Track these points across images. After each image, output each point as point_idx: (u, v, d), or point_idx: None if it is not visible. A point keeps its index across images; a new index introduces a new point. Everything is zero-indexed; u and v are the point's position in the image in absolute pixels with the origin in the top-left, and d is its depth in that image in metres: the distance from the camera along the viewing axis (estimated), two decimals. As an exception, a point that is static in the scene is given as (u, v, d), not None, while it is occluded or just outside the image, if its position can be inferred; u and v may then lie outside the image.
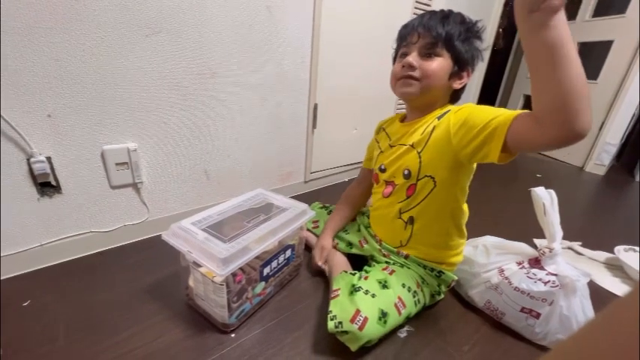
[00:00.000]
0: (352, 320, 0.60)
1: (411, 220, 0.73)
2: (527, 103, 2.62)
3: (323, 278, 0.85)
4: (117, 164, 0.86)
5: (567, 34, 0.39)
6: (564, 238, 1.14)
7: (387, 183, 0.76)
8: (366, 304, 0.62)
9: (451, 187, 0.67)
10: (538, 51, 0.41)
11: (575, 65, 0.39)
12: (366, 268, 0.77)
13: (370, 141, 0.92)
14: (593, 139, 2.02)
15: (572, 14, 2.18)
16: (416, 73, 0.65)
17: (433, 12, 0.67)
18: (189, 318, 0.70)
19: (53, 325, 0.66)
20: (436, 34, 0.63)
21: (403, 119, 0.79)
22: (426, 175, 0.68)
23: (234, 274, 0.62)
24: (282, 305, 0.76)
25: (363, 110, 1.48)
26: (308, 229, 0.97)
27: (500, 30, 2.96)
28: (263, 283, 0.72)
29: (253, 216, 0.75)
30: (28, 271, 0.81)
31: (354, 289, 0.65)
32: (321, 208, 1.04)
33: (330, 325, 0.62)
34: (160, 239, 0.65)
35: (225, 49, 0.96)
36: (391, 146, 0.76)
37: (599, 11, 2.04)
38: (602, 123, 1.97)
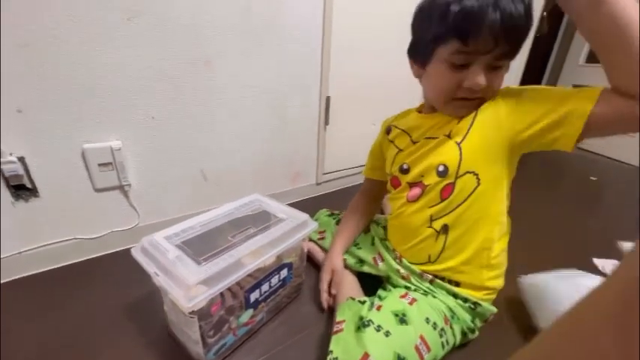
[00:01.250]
0: None
1: (445, 229, 0.57)
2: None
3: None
4: (100, 165, 0.77)
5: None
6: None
7: (413, 185, 0.60)
8: (378, 346, 0.48)
9: (498, 185, 0.55)
10: (593, 26, 0.40)
11: None
12: (380, 293, 0.62)
13: (374, 145, 0.76)
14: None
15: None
16: (479, 93, 0.52)
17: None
18: (167, 348, 0.59)
19: (26, 345, 0.59)
20: (518, 36, 0.47)
21: (420, 110, 0.65)
22: (467, 172, 0.54)
23: (212, 300, 0.50)
24: (277, 335, 0.63)
25: (383, 102, 1.30)
26: (312, 240, 0.84)
27: (545, 14, 2.65)
28: (251, 310, 0.59)
29: (243, 227, 0.63)
30: (6, 281, 0.74)
31: (362, 324, 0.51)
32: (329, 215, 0.90)
33: None
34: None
35: (221, 33, 0.84)
36: (414, 142, 0.62)
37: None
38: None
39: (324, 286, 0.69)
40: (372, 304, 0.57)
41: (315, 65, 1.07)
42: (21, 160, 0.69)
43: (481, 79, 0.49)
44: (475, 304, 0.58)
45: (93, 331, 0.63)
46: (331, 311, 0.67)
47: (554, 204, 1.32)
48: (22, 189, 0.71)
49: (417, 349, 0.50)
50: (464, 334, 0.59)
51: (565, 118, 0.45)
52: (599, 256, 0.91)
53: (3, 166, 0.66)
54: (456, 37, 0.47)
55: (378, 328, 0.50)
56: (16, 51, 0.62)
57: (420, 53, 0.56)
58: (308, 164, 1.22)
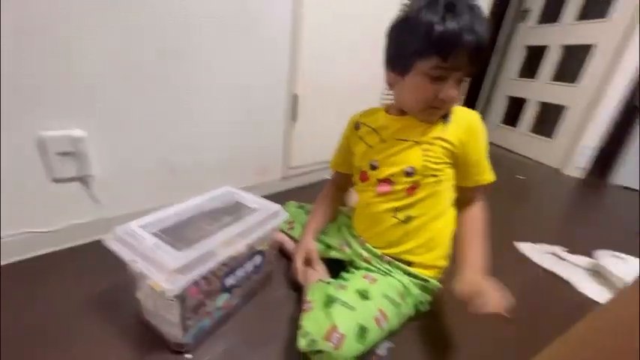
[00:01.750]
0: (327, 338, 0.52)
1: (408, 219, 0.67)
2: (512, 104, 2.63)
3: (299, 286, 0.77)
4: (59, 154, 0.74)
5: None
6: (545, 241, 1.13)
7: (382, 181, 0.68)
8: (344, 319, 0.55)
9: (450, 184, 0.67)
10: None
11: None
12: (343, 275, 0.69)
13: (342, 138, 0.83)
14: (571, 141, 2.04)
15: (555, 17, 2.19)
16: (450, 103, 0.61)
17: (473, 12, 0.52)
18: (140, 334, 0.60)
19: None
20: (484, 56, 0.56)
21: (388, 111, 0.72)
22: (430, 174, 0.64)
23: (193, 284, 0.52)
24: (250, 319, 0.68)
25: (350, 99, 1.38)
26: (282, 231, 0.89)
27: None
28: (227, 294, 0.63)
29: (217, 218, 0.66)
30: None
31: (330, 301, 0.58)
32: (298, 207, 0.95)
33: (302, 342, 0.54)
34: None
35: (192, 25, 0.85)
36: (383, 141, 0.69)
37: (583, 15, 2.05)
38: (581, 126, 1.99)
39: (297, 263, 0.75)
40: (338, 284, 0.64)
41: (284, 62, 1.11)
42: (-33, 146, 0.63)
43: (454, 92, 0.57)
44: (425, 280, 0.68)
45: (58, 326, 0.61)
46: (300, 291, 0.73)
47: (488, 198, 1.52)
48: (-33, 178, 0.65)
49: (376, 320, 0.58)
50: (416, 307, 0.69)
51: (466, 171, 0.67)
52: (519, 241, 1.10)
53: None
54: (437, 54, 0.53)
55: (344, 304, 0.57)
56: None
57: (399, 64, 0.61)
58: (275, 159, 1.25)
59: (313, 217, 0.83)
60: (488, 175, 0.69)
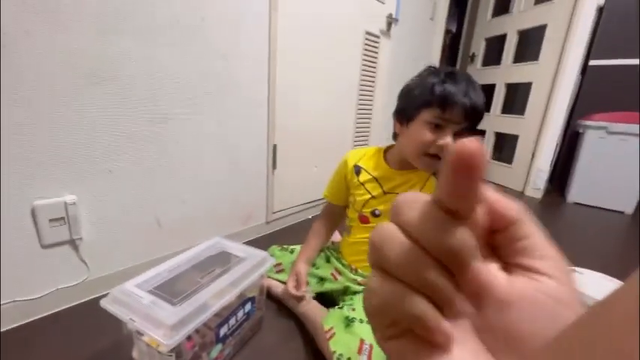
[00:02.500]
0: (359, 351, 0.59)
1: None
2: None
3: (290, 328, 0.81)
4: (51, 220, 0.77)
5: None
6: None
7: None
8: (367, 332, 0.62)
9: None
10: None
11: None
12: (345, 302, 0.75)
13: (337, 175, 0.87)
14: (527, 166, 2.26)
15: (496, 60, 2.53)
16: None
17: (471, 83, 0.65)
18: (133, 396, 0.61)
19: None
20: (478, 118, 0.65)
21: (385, 157, 0.79)
22: None
23: (187, 338, 0.56)
24: (243, 367, 0.70)
25: (322, 148, 1.52)
26: (270, 277, 0.93)
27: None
28: (220, 345, 0.65)
29: (208, 269, 0.70)
30: None
31: (349, 322, 0.65)
32: (281, 250, 1.01)
33: None
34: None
35: (179, 94, 0.95)
36: (385, 192, 0.77)
37: (518, 58, 2.38)
38: (533, 152, 2.22)
39: (289, 283, 0.83)
40: (349, 307, 0.70)
41: (263, 118, 1.22)
42: (-39, 221, 0.66)
43: (449, 140, 0.64)
44: None
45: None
46: (292, 335, 0.77)
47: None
48: (-42, 252, 0.67)
49: None
50: None
51: None
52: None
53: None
54: (438, 106, 0.63)
55: (361, 321, 0.65)
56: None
57: (406, 115, 0.70)
58: (258, 205, 1.32)
59: (308, 245, 0.89)
60: None
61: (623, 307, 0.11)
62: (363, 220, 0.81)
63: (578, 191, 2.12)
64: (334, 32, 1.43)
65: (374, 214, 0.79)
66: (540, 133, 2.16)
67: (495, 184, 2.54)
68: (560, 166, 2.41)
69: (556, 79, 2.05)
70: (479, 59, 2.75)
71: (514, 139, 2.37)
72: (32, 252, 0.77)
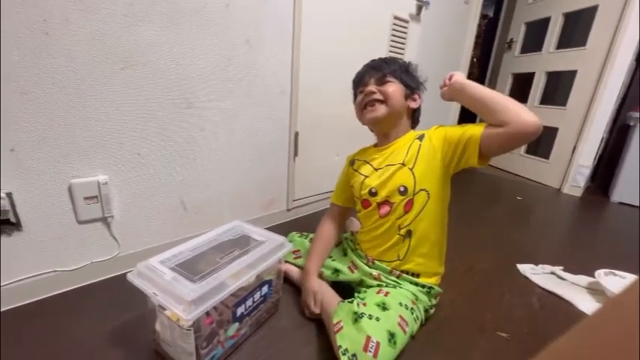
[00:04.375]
0: (365, 349, 0.58)
1: (409, 234, 0.75)
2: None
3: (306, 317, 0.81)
4: (85, 198, 0.82)
5: (470, 85, 0.67)
6: (546, 262, 1.15)
7: (382, 204, 0.77)
8: (374, 329, 0.61)
9: (441, 198, 0.75)
10: (465, 101, 0.69)
11: (489, 96, 0.64)
12: (358, 295, 0.75)
13: (341, 177, 0.92)
14: (567, 161, 2.10)
15: (536, 46, 2.34)
16: (378, 96, 0.75)
17: (375, 59, 0.82)
18: (156, 366, 0.65)
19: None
20: (384, 70, 0.78)
21: (375, 145, 0.85)
22: (421, 190, 0.73)
23: (205, 315, 0.58)
24: (259, 347, 0.71)
25: (344, 137, 1.49)
26: (288, 261, 0.94)
27: (475, 60, 3.14)
28: (237, 324, 0.67)
29: (228, 251, 0.72)
30: (-21, 317, 0.74)
31: (357, 317, 0.64)
32: (300, 236, 1.01)
33: None
34: (129, 277, 0.61)
35: (203, 80, 0.96)
36: (377, 169, 0.79)
37: (562, 44, 2.19)
38: (574, 146, 2.05)
39: (310, 305, 0.78)
40: (358, 302, 0.69)
41: (285, 105, 1.22)
42: (9, 195, 0.72)
43: (370, 87, 0.77)
44: (430, 287, 0.77)
45: (81, 357, 0.65)
46: (306, 320, 0.78)
47: (489, 219, 1.56)
48: (6, 224, 0.73)
49: (399, 325, 0.65)
50: (426, 311, 0.77)
51: (468, 141, 0.66)
52: (521, 262, 1.12)
53: (-9, 203, 0.69)
54: (355, 86, 0.84)
55: (370, 317, 0.64)
56: (17, 98, 0.69)
57: (354, 100, 0.85)
58: (280, 192, 1.33)
59: (312, 254, 0.86)
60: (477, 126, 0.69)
61: (599, 334, 0.12)
62: (365, 204, 0.81)
63: (624, 190, 1.94)
64: (360, 17, 1.38)
65: (371, 194, 0.78)
66: (584, 125, 1.99)
67: (530, 180, 2.38)
68: (604, 162, 2.22)
69: (605, 67, 1.86)
70: (517, 46, 2.57)
71: (553, 132, 2.20)
72: (70, 227, 0.83)
